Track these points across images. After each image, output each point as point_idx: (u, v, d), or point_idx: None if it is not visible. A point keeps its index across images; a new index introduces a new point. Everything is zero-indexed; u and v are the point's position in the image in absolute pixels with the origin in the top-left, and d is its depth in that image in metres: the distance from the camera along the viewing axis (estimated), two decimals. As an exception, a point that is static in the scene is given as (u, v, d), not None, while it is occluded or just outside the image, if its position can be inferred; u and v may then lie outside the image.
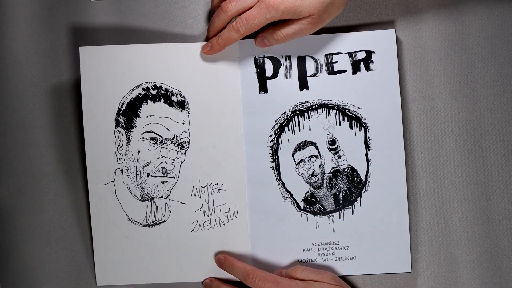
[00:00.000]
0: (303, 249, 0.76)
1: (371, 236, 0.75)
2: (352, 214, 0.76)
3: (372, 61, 0.76)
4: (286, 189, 0.76)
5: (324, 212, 0.76)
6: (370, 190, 0.76)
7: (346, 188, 0.76)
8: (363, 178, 0.76)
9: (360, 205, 0.76)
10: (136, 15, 0.79)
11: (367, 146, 0.76)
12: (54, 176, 0.79)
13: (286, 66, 0.76)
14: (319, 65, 0.76)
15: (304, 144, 0.76)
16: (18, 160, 0.79)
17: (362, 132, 0.76)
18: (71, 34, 0.79)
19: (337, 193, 0.76)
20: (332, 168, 0.76)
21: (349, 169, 0.76)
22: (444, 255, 0.77)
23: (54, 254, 0.79)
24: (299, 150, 0.76)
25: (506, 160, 0.77)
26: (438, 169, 0.77)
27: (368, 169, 0.76)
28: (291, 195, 0.76)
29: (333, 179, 0.76)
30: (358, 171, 0.76)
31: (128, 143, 0.75)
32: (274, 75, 0.76)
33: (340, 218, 0.76)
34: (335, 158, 0.76)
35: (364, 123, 0.76)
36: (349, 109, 0.76)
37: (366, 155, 0.76)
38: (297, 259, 0.76)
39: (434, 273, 0.77)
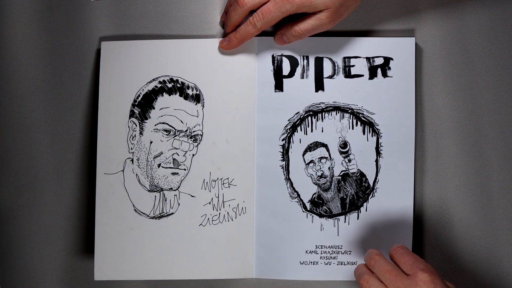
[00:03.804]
0: (306, 251, 0.78)
1: (375, 242, 0.78)
2: (358, 219, 0.78)
3: (389, 68, 0.78)
4: (293, 188, 0.78)
5: (330, 215, 0.78)
6: (377, 196, 0.78)
7: (354, 192, 0.78)
8: (371, 184, 0.78)
9: (366, 210, 0.78)
10: (137, 15, 0.80)
11: (378, 153, 0.78)
12: (54, 176, 0.80)
13: (304, 66, 0.78)
14: (336, 68, 0.78)
15: (315, 145, 0.78)
16: (18, 160, 0.81)
17: (375, 138, 0.78)
18: (71, 34, 0.80)
19: (345, 197, 0.78)
20: (342, 171, 0.78)
21: (358, 174, 0.78)
22: (444, 255, 0.79)
23: (54, 254, 0.81)
24: (310, 151, 0.78)
25: (506, 160, 0.79)
26: (438, 169, 0.79)
27: (377, 175, 0.78)
28: (298, 195, 0.78)
29: (342, 182, 0.78)
30: (367, 177, 0.78)
31: (141, 133, 0.77)
32: (291, 74, 0.78)
33: (345, 222, 0.78)
34: (345, 161, 0.78)
35: (377, 129, 0.78)
36: (363, 113, 0.78)
37: (376, 161, 0.78)
38: (299, 260, 0.78)
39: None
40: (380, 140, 0.78)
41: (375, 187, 0.78)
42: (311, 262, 0.78)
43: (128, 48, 0.78)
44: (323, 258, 0.78)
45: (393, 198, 0.77)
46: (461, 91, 0.79)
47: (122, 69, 0.78)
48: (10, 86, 0.80)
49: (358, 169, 0.78)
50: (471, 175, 0.79)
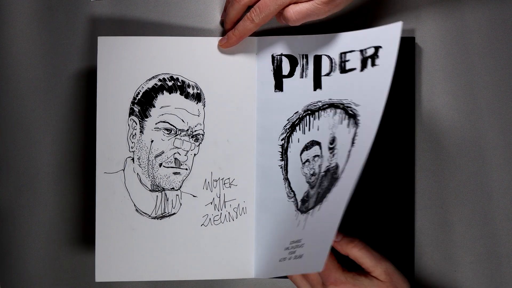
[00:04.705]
0: (284, 248, 0.75)
1: (323, 233, 0.70)
2: (318, 210, 0.73)
3: (377, 56, 0.74)
4: (291, 188, 0.78)
5: (306, 210, 0.76)
6: (338, 186, 0.72)
7: (327, 185, 0.75)
8: (339, 174, 0.74)
9: (327, 200, 0.73)
10: (137, 15, 0.81)
11: (352, 142, 0.74)
12: (54, 176, 0.81)
13: (303, 65, 0.78)
14: (333, 64, 0.77)
15: (311, 144, 0.78)
16: (18, 160, 0.81)
17: (354, 129, 0.74)
18: (71, 34, 0.80)
19: (320, 191, 0.76)
20: (326, 167, 0.76)
21: (334, 167, 0.75)
22: (444, 255, 0.80)
23: (54, 254, 0.81)
24: (306, 150, 0.78)
25: (506, 160, 0.79)
26: (438, 169, 0.80)
27: (345, 165, 0.74)
28: (294, 194, 0.78)
29: (323, 178, 0.76)
30: (340, 168, 0.74)
31: (141, 132, 0.77)
32: (291, 73, 0.78)
33: (312, 215, 0.74)
34: (330, 156, 0.76)
35: (357, 120, 0.74)
36: (350, 107, 0.75)
37: (349, 151, 0.74)
38: (279, 258, 0.75)
39: (434, 273, 0.80)
40: (357, 131, 0.73)
41: (340, 177, 0.73)
42: (281, 259, 0.74)
43: (125, 44, 0.77)
44: (290, 253, 0.73)
45: (347, 185, 0.70)
46: (461, 91, 0.80)
47: (120, 65, 0.77)
48: (10, 86, 0.80)
49: (336, 162, 0.75)
50: (471, 175, 0.80)
